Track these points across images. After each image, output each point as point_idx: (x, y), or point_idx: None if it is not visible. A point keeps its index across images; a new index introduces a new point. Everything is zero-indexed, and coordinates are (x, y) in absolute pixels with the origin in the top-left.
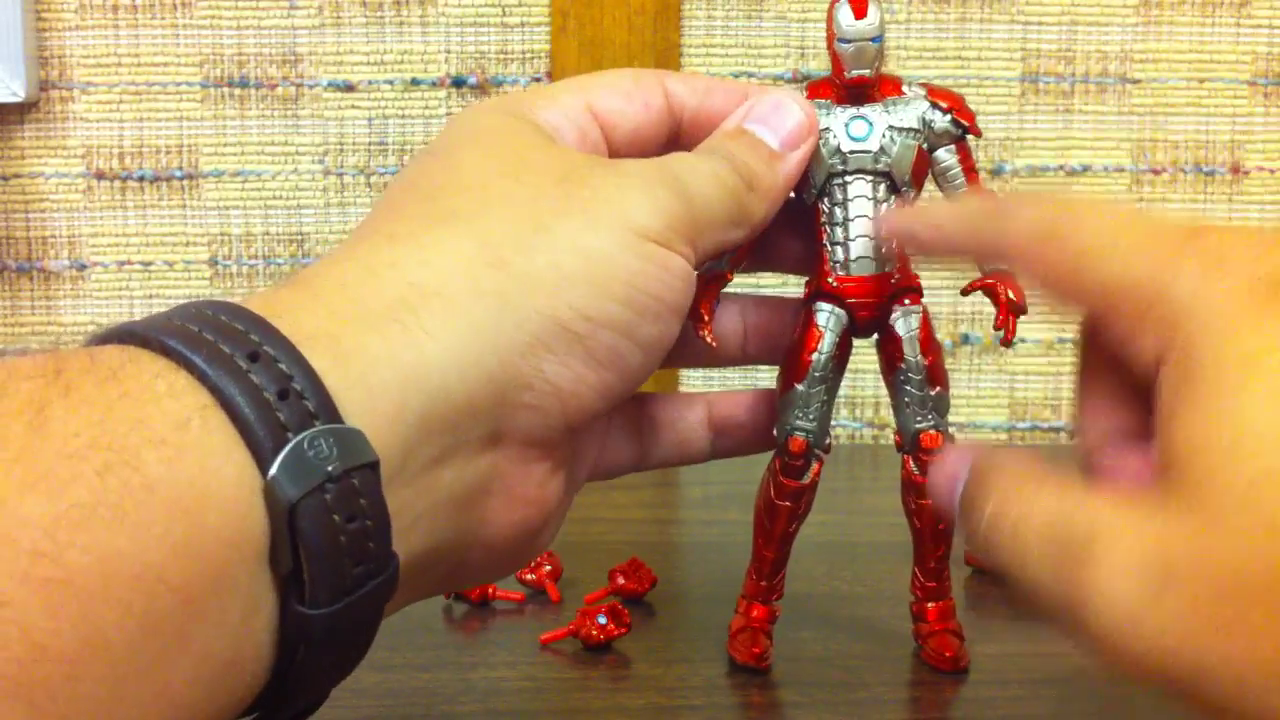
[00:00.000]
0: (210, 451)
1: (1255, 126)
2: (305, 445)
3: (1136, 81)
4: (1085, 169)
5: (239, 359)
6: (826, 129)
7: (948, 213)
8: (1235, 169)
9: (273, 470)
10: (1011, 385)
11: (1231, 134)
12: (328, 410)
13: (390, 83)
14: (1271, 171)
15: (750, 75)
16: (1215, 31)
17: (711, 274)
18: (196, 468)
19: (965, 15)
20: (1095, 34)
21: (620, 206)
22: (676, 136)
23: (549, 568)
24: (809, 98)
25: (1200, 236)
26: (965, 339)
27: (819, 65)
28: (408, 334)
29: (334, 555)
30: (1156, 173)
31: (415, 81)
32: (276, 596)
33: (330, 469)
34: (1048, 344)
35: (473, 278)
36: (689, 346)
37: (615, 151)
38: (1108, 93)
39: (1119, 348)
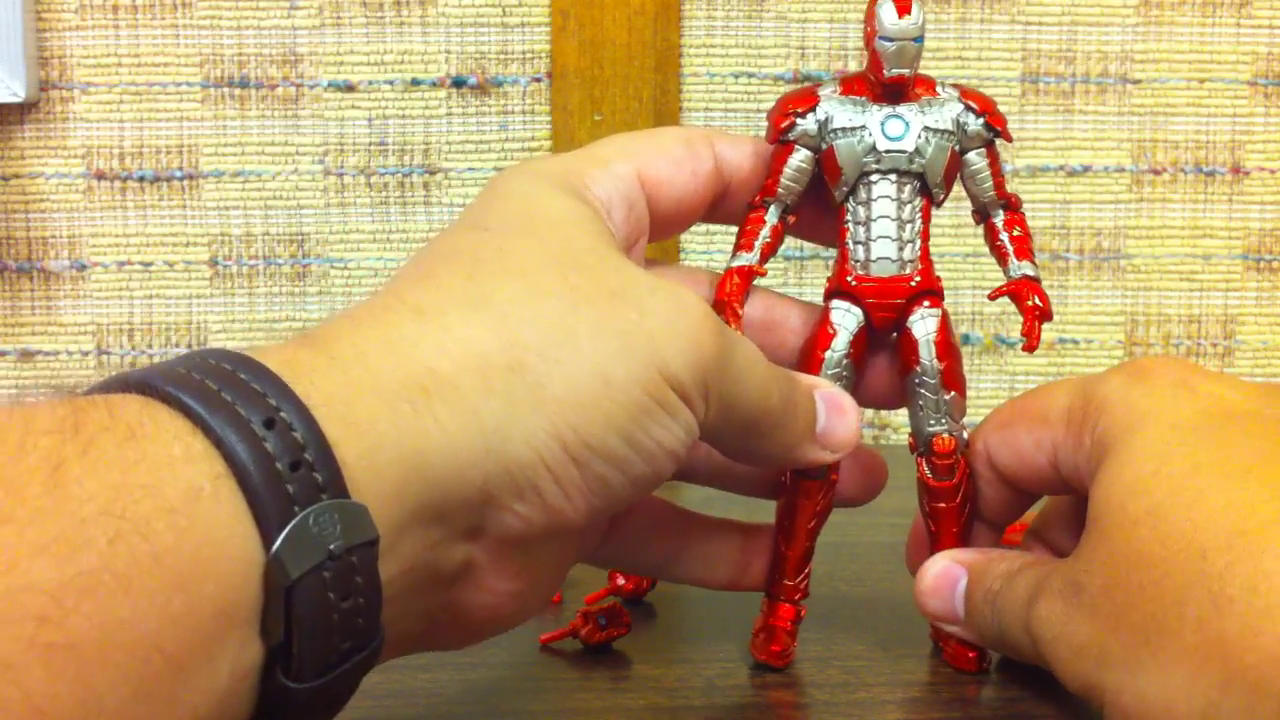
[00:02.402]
0: (218, 523)
1: (1255, 126)
2: (310, 521)
3: (1137, 81)
4: (1085, 169)
5: (255, 425)
6: (863, 126)
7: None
8: (1235, 169)
9: (276, 547)
10: (1012, 385)
11: (1232, 134)
12: (336, 484)
13: (390, 83)
14: (1272, 171)
15: (750, 75)
16: (1215, 31)
17: (743, 267)
18: (203, 539)
19: (965, 15)
20: (1095, 34)
21: (660, 341)
22: (724, 197)
23: None
24: (843, 93)
25: (1133, 361)
26: (965, 339)
27: (819, 65)
28: (418, 419)
29: (325, 632)
30: (1156, 173)
31: (415, 81)
32: (262, 664)
33: (332, 547)
34: (1048, 344)
35: (488, 376)
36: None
37: (658, 217)
38: (1108, 93)
39: (1071, 466)
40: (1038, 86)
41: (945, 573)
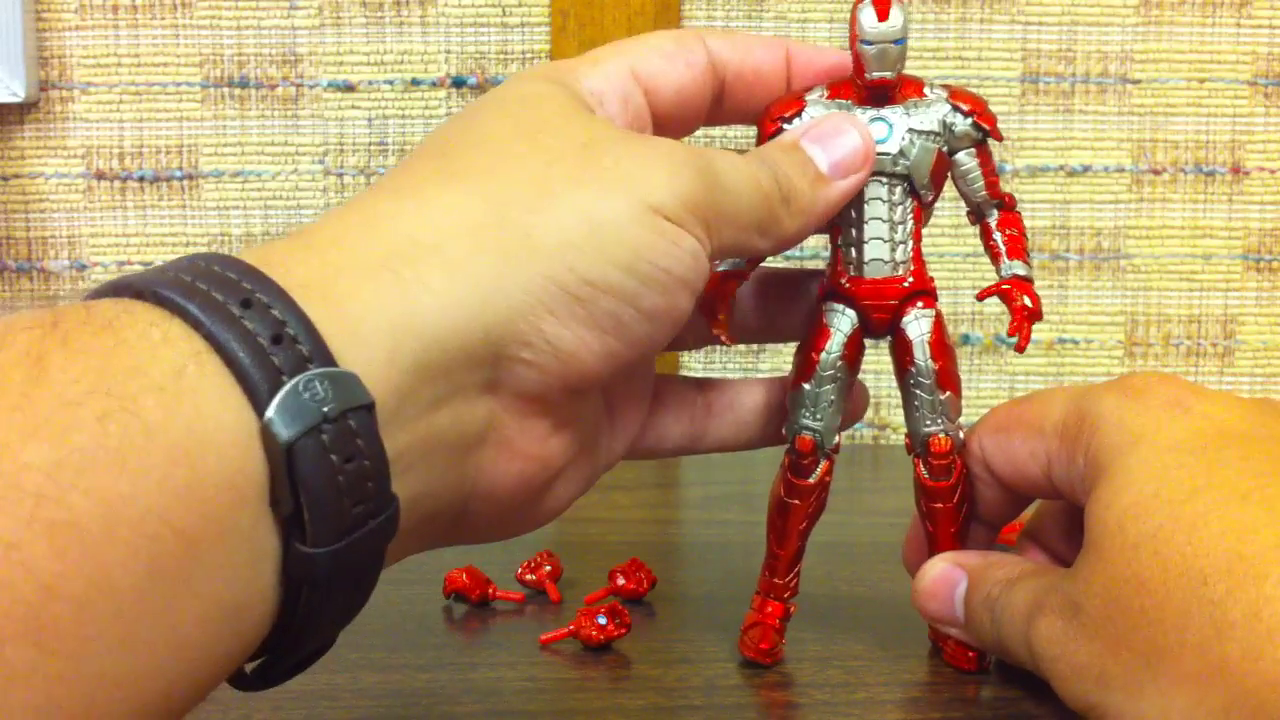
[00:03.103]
0: (207, 396)
1: (1255, 126)
2: (300, 387)
3: (1136, 81)
4: (1085, 169)
5: (232, 306)
6: None
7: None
8: (1235, 169)
9: (269, 412)
10: (1012, 385)
11: (1232, 134)
12: (322, 354)
13: (390, 83)
14: (1272, 171)
15: None
16: (1215, 31)
17: (729, 271)
18: (194, 412)
19: (965, 15)
20: (1095, 34)
21: (638, 180)
22: (720, 95)
23: (549, 568)
24: (830, 97)
25: (1127, 378)
26: (965, 339)
27: None
28: (402, 284)
29: (333, 495)
30: (1156, 173)
31: (415, 81)
32: (279, 538)
33: (326, 410)
34: (1047, 344)
35: (474, 236)
36: (700, 329)
37: (660, 114)
38: (1108, 93)
39: (1064, 479)
40: (1038, 86)
41: (945, 575)
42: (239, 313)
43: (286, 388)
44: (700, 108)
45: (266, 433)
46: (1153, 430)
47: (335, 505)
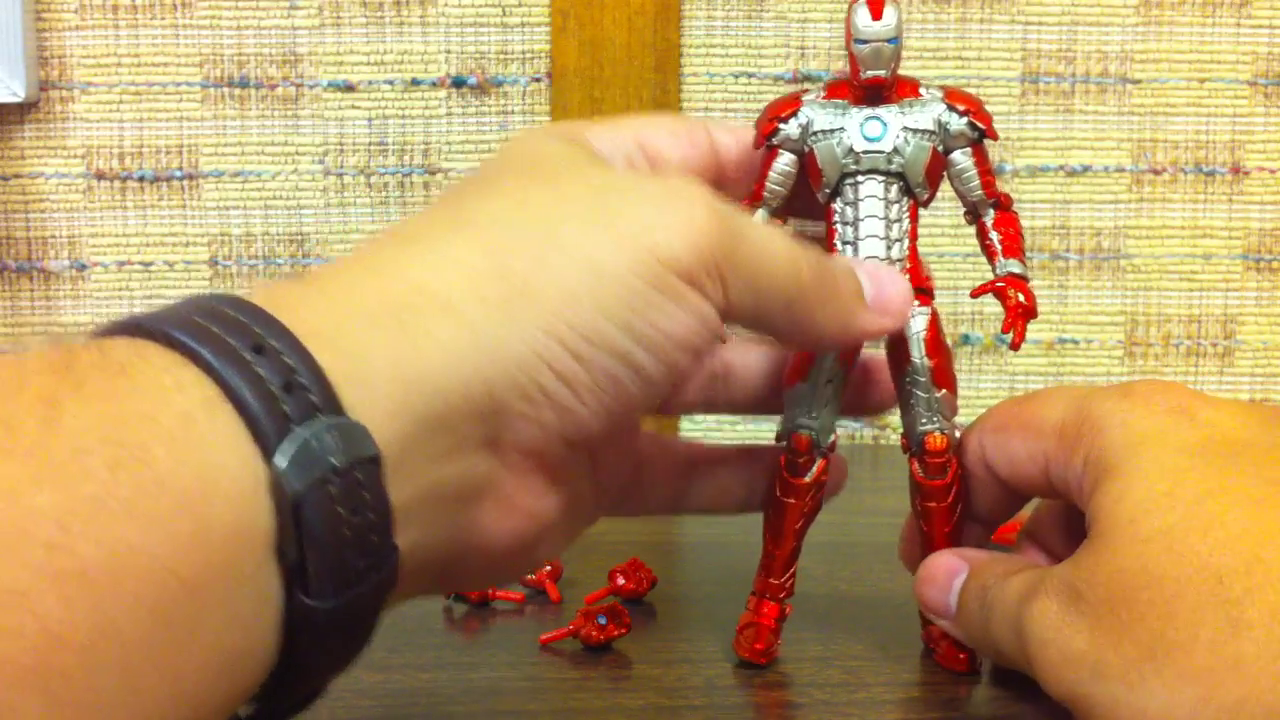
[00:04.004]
0: (217, 445)
1: (1255, 126)
2: (310, 438)
3: (1136, 81)
4: (1085, 169)
5: (244, 352)
6: (841, 128)
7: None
8: (1235, 169)
9: (278, 462)
10: (1011, 385)
11: (1232, 134)
12: (331, 403)
13: (390, 83)
14: (1272, 171)
15: (750, 75)
16: (1215, 31)
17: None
18: (204, 461)
19: (965, 15)
20: (1095, 34)
21: (647, 226)
22: (720, 183)
23: (549, 568)
24: (827, 97)
25: (1126, 384)
26: (965, 339)
27: (819, 65)
28: (408, 335)
29: (338, 547)
30: (1156, 173)
31: (415, 81)
32: (282, 587)
33: (335, 462)
34: (1047, 344)
35: (477, 286)
36: (696, 394)
37: None
38: (1108, 93)
39: (1061, 479)
40: (1038, 86)
41: (947, 565)
42: (250, 359)
43: (296, 438)
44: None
45: (275, 483)
46: (1159, 433)
47: (339, 558)
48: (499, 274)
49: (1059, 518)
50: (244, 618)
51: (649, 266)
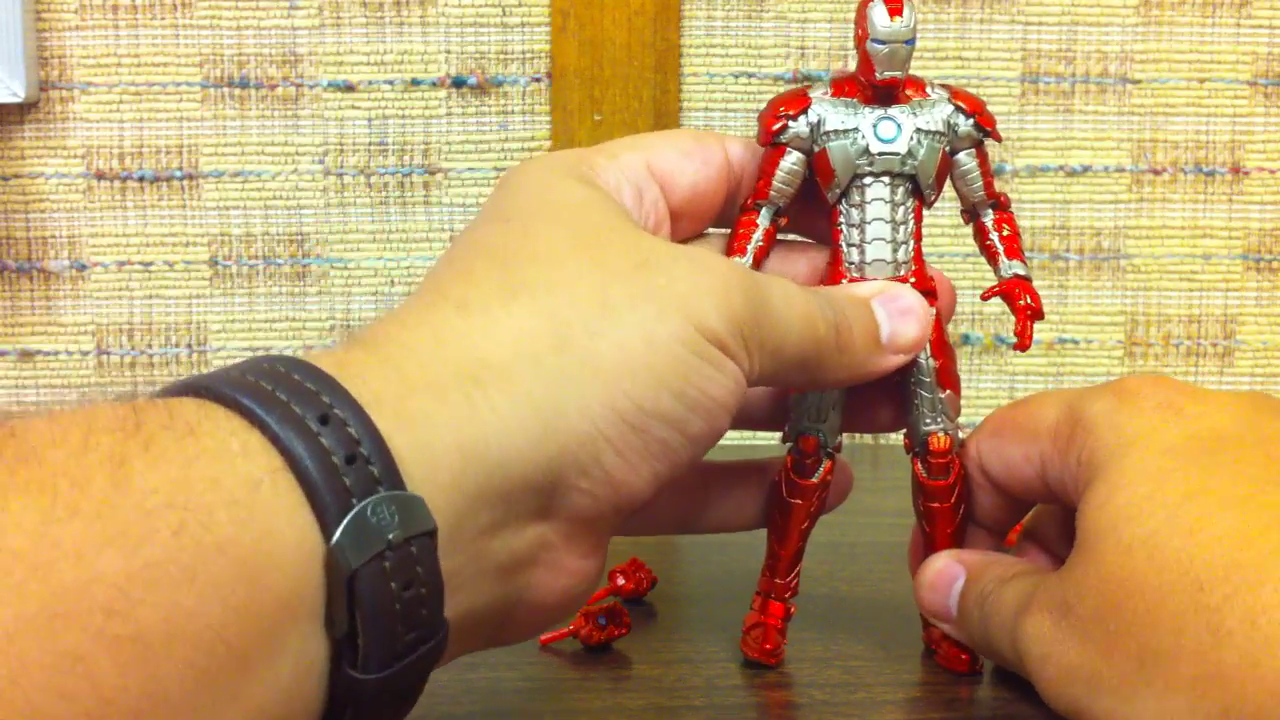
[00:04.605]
0: (278, 515)
1: (1255, 126)
2: (369, 511)
3: (1136, 81)
4: (1085, 169)
5: (310, 421)
6: (855, 129)
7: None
8: (1235, 169)
9: (336, 537)
10: (1011, 385)
11: (1231, 134)
12: (392, 476)
13: (390, 83)
14: (1272, 172)
15: (750, 75)
16: (1215, 31)
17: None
18: (264, 530)
19: (965, 15)
20: (1095, 34)
21: (690, 301)
22: (736, 196)
23: None
24: (834, 95)
25: (1119, 381)
26: (965, 339)
27: (819, 65)
28: (471, 406)
29: (389, 622)
30: (1156, 173)
31: (415, 81)
32: (329, 658)
33: (391, 537)
34: (1047, 344)
35: (537, 358)
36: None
37: (675, 209)
38: (1108, 93)
39: (1058, 481)
40: (1037, 86)
41: (945, 569)
42: (316, 429)
43: (355, 511)
44: (715, 205)
45: (331, 557)
46: (1146, 433)
47: (390, 632)
48: (557, 346)
49: (1057, 519)
50: (286, 685)
51: (693, 337)
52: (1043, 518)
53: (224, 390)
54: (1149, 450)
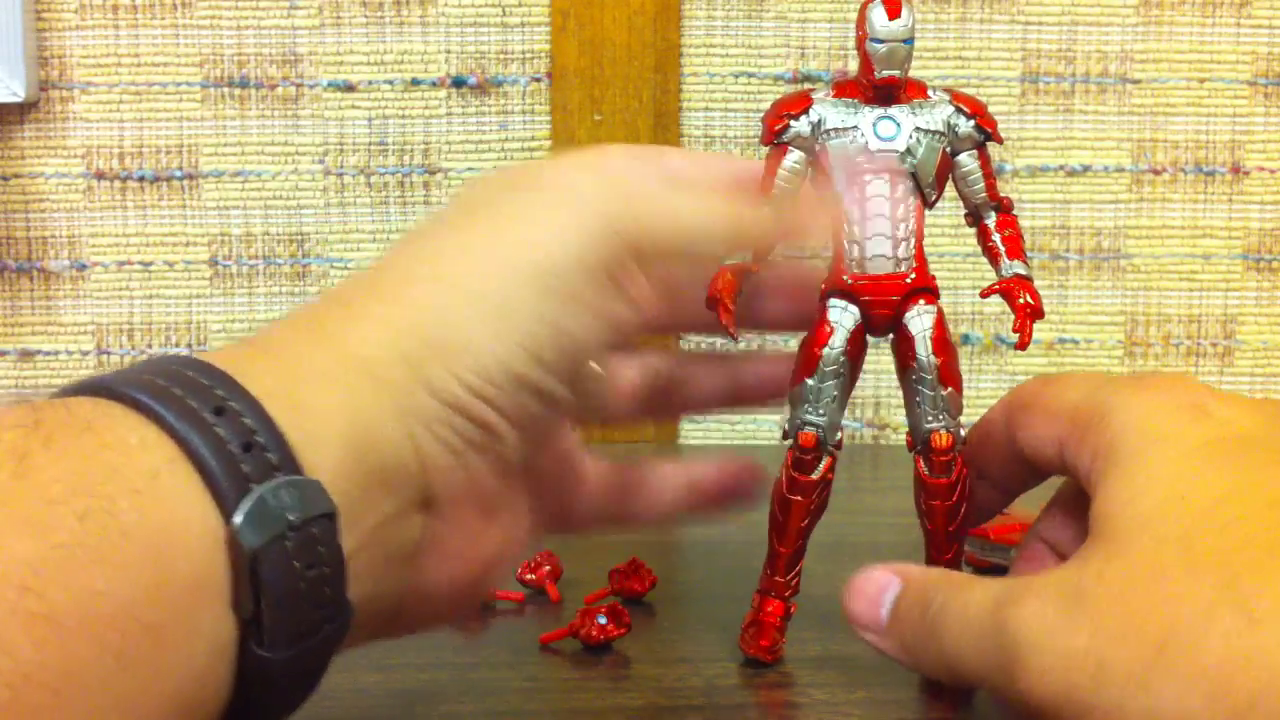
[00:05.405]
0: (179, 501)
1: (1255, 126)
2: (268, 496)
3: (1136, 81)
4: (1085, 169)
5: (205, 413)
6: (855, 127)
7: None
8: (1235, 169)
9: (236, 519)
10: (1011, 385)
11: (1231, 134)
12: (289, 463)
13: (390, 83)
14: (1272, 171)
15: (750, 75)
16: (1215, 31)
17: (736, 265)
18: (167, 516)
19: (965, 15)
20: (1095, 34)
21: (528, 243)
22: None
23: (549, 568)
24: (836, 96)
25: (1139, 375)
26: (965, 339)
27: (819, 65)
28: (352, 399)
29: (293, 601)
30: (1156, 173)
31: (415, 81)
32: (237, 638)
33: (291, 518)
34: (1047, 344)
35: (399, 347)
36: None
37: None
38: (1108, 93)
39: (1074, 464)
40: (1037, 86)
41: (879, 578)
42: (211, 420)
43: (254, 496)
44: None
45: (233, 539)
46: (1174, 431)
47: (294, 611)
48: (412, 332)
49: (1070, 516)
50: (200, 664)
51: (536, 283)
52: (1054, 517)
53: (120, 388)
54: (1178, 448)
